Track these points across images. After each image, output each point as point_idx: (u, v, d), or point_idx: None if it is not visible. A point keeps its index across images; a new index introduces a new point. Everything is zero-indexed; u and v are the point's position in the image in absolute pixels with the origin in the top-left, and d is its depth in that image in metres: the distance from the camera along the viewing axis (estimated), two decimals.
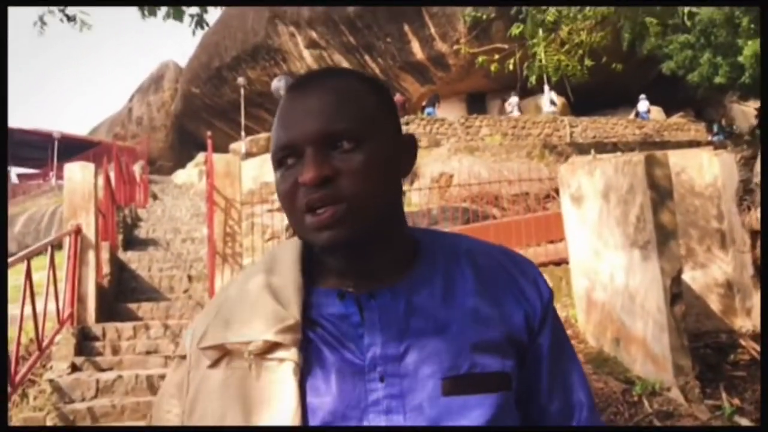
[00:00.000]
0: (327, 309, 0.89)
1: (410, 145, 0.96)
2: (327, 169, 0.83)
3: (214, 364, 0.88)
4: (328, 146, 0.84)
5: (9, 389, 5.01)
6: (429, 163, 14.68)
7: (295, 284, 0.90)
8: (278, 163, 0.88)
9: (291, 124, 0.86)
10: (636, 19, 10.78)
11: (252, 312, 0.88)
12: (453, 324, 0.89)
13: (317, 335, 0.88)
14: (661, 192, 5.35)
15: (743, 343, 5.94)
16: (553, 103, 20.80)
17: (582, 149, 14.60)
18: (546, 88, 19.42)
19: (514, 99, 21.04)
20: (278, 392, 0.84)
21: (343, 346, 0.87)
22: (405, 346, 0.86)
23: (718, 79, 15.57)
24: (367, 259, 0.89)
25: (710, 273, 6.46)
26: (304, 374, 0.86)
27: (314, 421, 0.84)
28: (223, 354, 0.88)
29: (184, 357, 0.94)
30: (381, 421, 0.84)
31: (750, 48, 13.39)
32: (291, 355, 0.85)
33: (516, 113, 20.88)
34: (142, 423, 5.14)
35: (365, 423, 0.84)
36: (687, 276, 6.21)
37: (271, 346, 0.85)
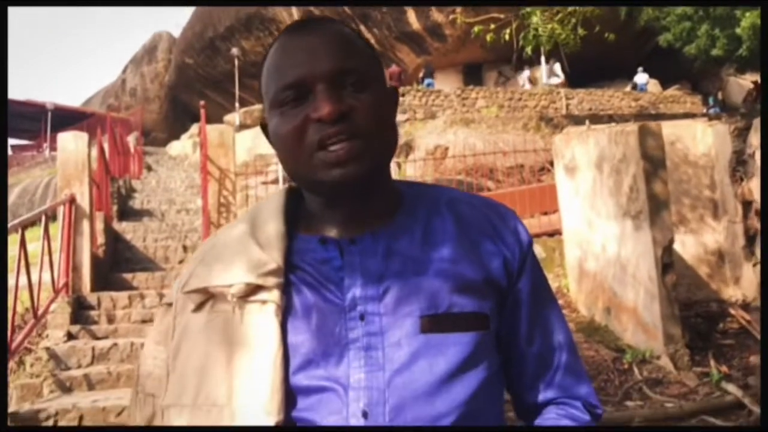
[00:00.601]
0: (309, 254, 0.91)
1: (396, 95, 0.98)
2: (344, 105, 0.84)
3: (198, 307, 0.90)
4: (339, 84, 0.86)
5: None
6: (424, 135, 14.64)
7: (278, 231, 0.92)
8: (281, 103, 0.88)
9: (297, 62, 0.87)
10: None
11: (235, 257, 0.90)
12: (432, 266, 0.91)
13: (299, 279, 0.90)
14: (654, 162, 5.37)
15: (732, 312, 6.00)
16: (556, 75, 20.70)
17: (578, 121, 14.56)
18: (543, 59, 19.33)
19: (526, 73, 20.95)
20: (260, 333, 0.86)
21: (324, 288, 0.89)
22: (384, 286, 0.88)
23: (715, 52, 15.49)
24: (360, 202, 0.91)
25: (702, 241, 6.51)
26: (285, 315, 0.88)
27: (296, 359, 0.86)
28: (206, 298, 0.90)
29: (170, 305, 0.96)
30: (361, 357, 0.86)
31: (748, 20, 13.30)
32: (273, 297, 0.87)
33: (528, 87, 20.82)
34: None
35: (345, 359, 0.86)
36: (678, 242, 6.25)
37: (254, 289, 0.87)
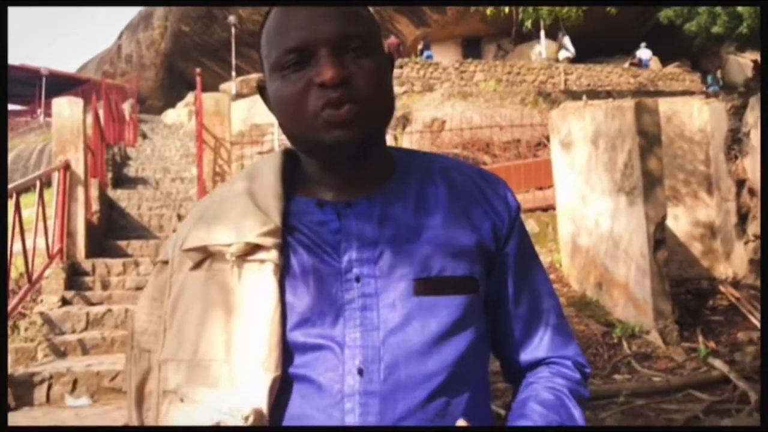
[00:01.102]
0: (306, 216, 0.93)
1: (392, 61, 0.99)
2: (346, 71, 0.86)
3: (197, 266, 0.92)
4: (342, 49, 0.87)
5: None
6: (421, 108, 14.57)
7: (276, 193, 0.94)
8: (281, 67, 0.89)
9: (300, 26, 0.88)
10: None
11: (234, 217, 0.92)
12: (425, 232, 0.93)
13: (296, 240, 0.92)
14: (649, 138, 5.38)
15: (723, 289, 6.06)
16: (567, 49, 20.55)
17: (576, 96, 14.50)
18: (543, 34, 19.18)
19: (537, 47, 20.81)
20: (258, 291, 0.88)
21: (321, 250, 0.91)
22: (379, 250, 0.91)
23: (715, 29, 15.41)
24: (358, 165, 0.93)
25: (694, 216, 6.55)
26: (283, 275, 0.90)
27: (293, 318, 0.88)
28: (205, 256, 0.92)
29: (166, 262, 0.98)
30: (356, 317, 0.88)
31: None
32: (271, 256, 0.89)
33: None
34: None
35: (341, 319, 0.88)
36: (671, 216, 6.28)
37: (252, 249, 0.89)
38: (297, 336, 0.88)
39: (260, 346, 0.86)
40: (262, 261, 0.89)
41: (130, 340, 1.01)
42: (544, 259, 7.42)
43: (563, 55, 20.70)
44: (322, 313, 0.89)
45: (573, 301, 6.28)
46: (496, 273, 1.00)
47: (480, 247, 0.96)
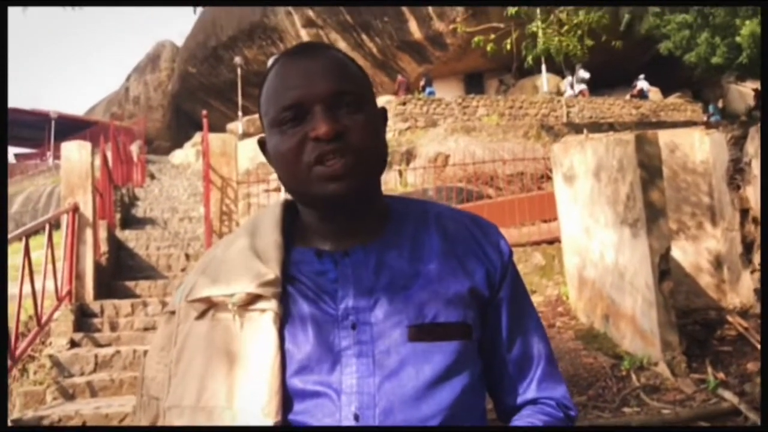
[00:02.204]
0: (305, 266, 0.98)
1: (385, 116, 1.05)
2: (339, 125, 0.91)
3: (201, 315, 0.97)
4: (336, 105, 0.93)
5: (9, 363, 5.09)
6: (425, 143, 14.70)
7: (276, 244, 0.99)
8: (279, 123, 0.94)
9: (296, 85, 0.94)
10: None
11: (236, 269, 0.97)
12: (419, 279, 0.97)
13: (296, 289, 0.96)
14: (650, 171, 5.42)
15: (730, 319, 6.03)
16: (583, 80, 20.79)
17: (578, 129, 14.60)
18: (544, 68, 19.36)
19: (568, 79, 21.05)
20: (259, 339, 0.92)
21: (319, 299, 0.95)
22: (375, 298, 0.95)
23: (715, 60, 15.52)
24: (354, 216, 0.98)
25: (701, 248, 6.54)
26: (283, 324, 0.94)
27: (292, 365, 0.92)
28: (209, 306, 0.96)
29: (173, 313, 1.02)
30: (352, 363, 0.92)
31: (748, 28, 13.34)
32: (271, 306, 0.93)
33: (570, 93, 20.98)
34: None
35: (338, 366, 0.92)
36: (678, 249, 6.29)
37: (253, 298, 0.93)
38: (296, 383, 0.92)
39: (261, 393, 0.89)
40: (263, 310, 0.93)
41: (140, 387, 1.06)
42: (551, 291, 7.42)
43: (579, 88, 20.92)
44: (320, 360, 0.92)
45: (581, 334, 6.26)
46: (489, 318, 1.03)
47: (473, 293, 1.00)
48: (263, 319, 0.93)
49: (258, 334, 0.92)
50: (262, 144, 1.03)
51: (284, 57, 0.99)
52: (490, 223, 1.10)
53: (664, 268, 5.32)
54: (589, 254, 6.38)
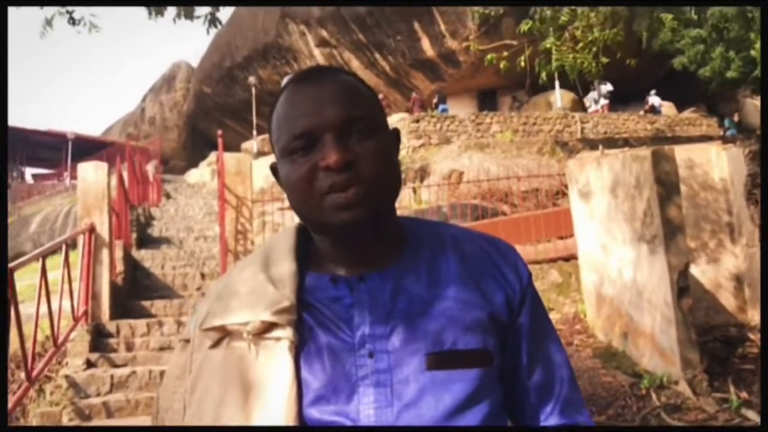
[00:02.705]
0: (320, 292, 0.96)
1: (398, 137, 1.03)
2: (350, 153, 0.89)
3: (215, 344, 0.95)
4: (346, 133, 0.91)
5: (26, 384, 5.11)
6: (439, 161, 14.69)
7: (290, 270, 0.97)
8: (291, 151, 0.93)
9: (305, 113, 0.92)
10: (652, 15, 10.77)
11: (250, 296, 0.95)
12: (437, 305, 0.95)
13: (311, 316, 0.94)
14: (667, 186, 5.37)
15: (752, 336, 5.94)
16: (605, 96, 20.80)
17: (593, 145, 14.55)
18: (557, 84, 19.35)
19: (592, 94, 21.09)
20: (275, 368, 0.90)
21: (335, 326, 0.93)
22: (392, 325, 0.93)
23: (730, 74, 15.46)
24: (368, 242, 0.96)
25: (722, 266, 6.46)
26: (298, 352, 0.92)
27: (308, 395, 0.90)
28: (223, 335, 0.94)
29: (188, 341, 1.01)
30: (370, 393, 0.90)
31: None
32: (286, 334, 0.91)
33: (594, 107, 21.01)
34: None
35: (356, 395, 0.90)
36: (698, 269, 6.22)
37: (268, 326, 0.91)
38: (313, 413, 0.90)
39: (278, 424, 0.87)
40: (278, 338, 0.91)
41: (155, 417, 1.04)
42: (569, 309, 7.35)
43: (602, 102, 20.91)
44: (336, 389, 0.90)
45: (599, 352, 6.18)
46: (509, 343, 1.01)
47: (493, 318, 0.97)
48: (279, 348, 0.91)
49: (273, 363, 0.90)
50: (274, 170, 1.02)
51: (293, 83, 0.98)
52: (508, 245, 1.08)
53: (683, 285, 5.25)
54: (606, 271, 6.31)
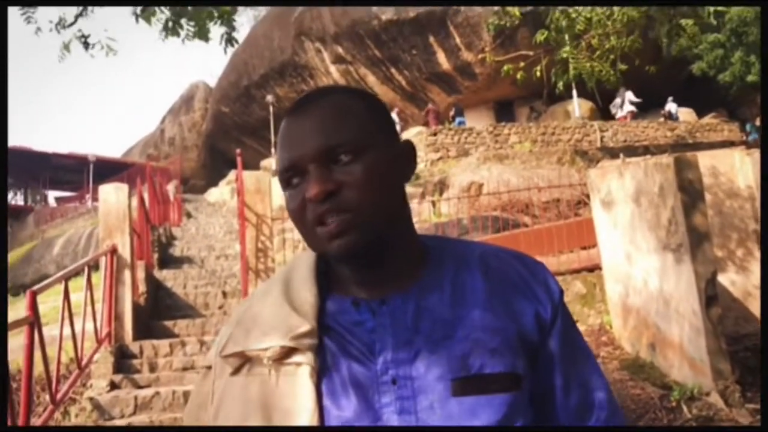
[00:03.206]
0: (341, 316, 0.93)
1: (409, 152, 0.99)
2: (330, 184, 0.87)
3: (236, 371, 0.92)
4: (329, 161, 0.88)
5: (51, 407, 5.12)
6: (458, 173, 14.65)
7: (311, 293, 0.94)
8: (286, 183, 0.92)
9: (291, 145, 0.91)
10: (671, 21, 10.69)
11: (270, 320, 0.92)
12: (462, 326, 0.91)
13: (332, 341, 0.91)
14: (692, 194, 5.28)
15: None
16: (630, 103, 20.73)
17: (613, 154, 14.44)
18: (575, 93, 19.26)
19: (617, 100, 21.03)
20: (296, 395, 0.87)
21: (357, 351, 0.90)
22: (415, 349, 0.89)
23: (750, 78, 15.32)
24: (378, 265, 0.93)
25: (750, 274, 6.33)
26: (320, 378, 0.89)
27: (330, 423, 0.87)
28: (244, 361, 0.92)
29: (210, 368, 0.99)
30: (394, 421, 0.86)
31: None
32: (307, 359, 0.88)
33: (620, 114, 20.97)
34: None
35: (379, 424, 0.86)
36: (727, 278, 6.11)
37: (288, 352, 0.89)
38: None
39: None
40: (299, 364, 0.88)
41: None
42: (594, 321, 7.24)
43: (627, 109, 20.81)
44: (359, 417, 0.87)
45: (626, 364, 6.07)
46: (541, 365, 0.96)
47: (522, 338, 0.92)
48: (299, 374, 0.88)
49: (294, 390, 0.88)
50: None
51: (286, 116, 0.96)
52: (536, 261, 1.03)
53: (711, 294, 5.15)
54: (631, 281, 6.22)
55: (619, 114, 21.09)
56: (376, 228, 0.89)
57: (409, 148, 0.99)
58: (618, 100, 21.09)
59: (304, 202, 0.88)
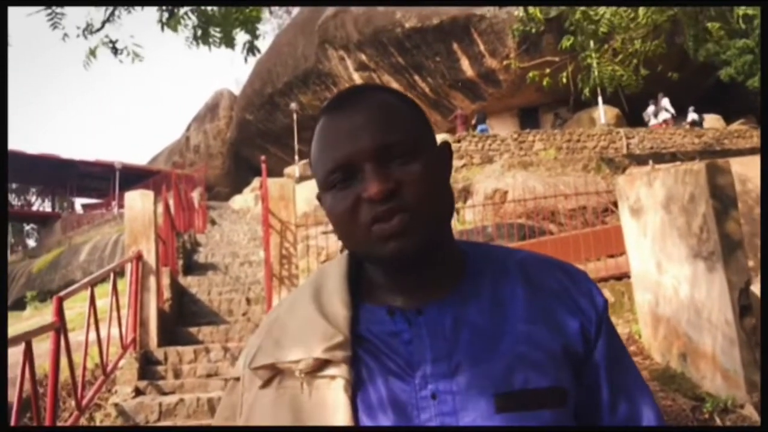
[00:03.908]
0: (376, 326, 0.88)
1: (449, 152, 0.96)
2: (392, 183, 0.83)
3: (266, 383, 0.88)
4: (386, 159, 0.84)
5: (76, 413, 5.13)
6: (482, 180, 14.56)
7: (343, 301, 0.89)
8: (330, 186, 0.87)
9: (341, 143, 0.86)
10: (697, 25, 10.54)
11: (301, 331, 0.88)
12: (504, 338, 0.86)
13: (367, 352, 0.86)
14: (724, 201, 5.17)
15: None
16: (666, 110, 20.59)
17: (640, 161, 14.26)
18: (600, 100, 19.09)
19: (651, 108, 20.85)
20: (330, 410, 0.82)
21: (394, 364, 0.85)
22: (456, 362, 0.84)
23: None
24: (423, 271, 0.88)
25: None
26: (355, 391, 0.84)
27: None
28: (274, 373, 0.87)
29: (238, 379, 0.94)
30: None
31: None
32: (342, 372, 0.84)
33: (653, 122, 20.79)
34: None
35: None
36: (757, 288, 5.95)
37: (322, 364, 0.84)
38: None
39: None
40: (333, 377, 0.84)
41: None
42: (622, 330, 7.12)
43: (663, 116, 20.60)
44: None
45: (657, 374, 5.95)
46: (587, 378, 0.91)
47: (567, 351, 0.88)
48: (333, 387, 0.83)
49: (328, 405, 0.83)
50: (321, 200, 0.95)
51: (326, 113, 0.91)
52: (579, 270, 0.98)
53: (745, 303, 5.02)
54: (661, 290, 6.10)
55: (653, 121, 20.83)
56: (435, 229, 0.86)
57: (448, 148, 0.95)
58: (651, 109, 20.85)
59: (357, 202, 0.84)
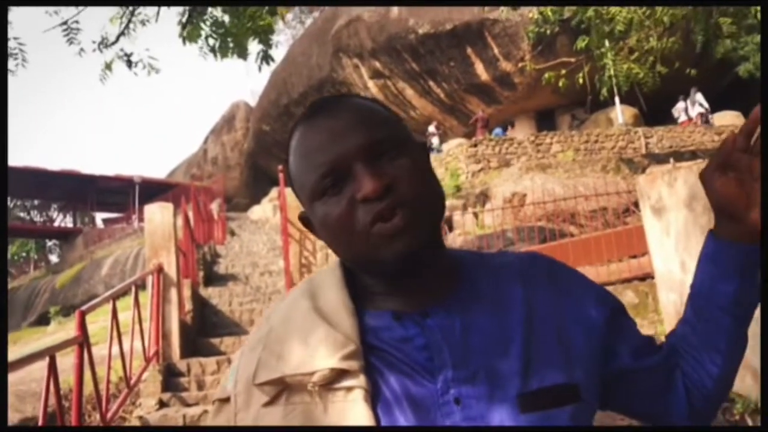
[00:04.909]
0: (384, 332, 0.85)
1: (426, 148, 0.94)
2: (386, 178, 0.80)
3: (271, 401, 0.82)
4: (375, 157, 0.82)
5: (101, 426, 5.14)
6: (500, 183, 14.50)
7: (348, 309, 0.85)
8: (320, 194, 0.84)
9: (326, 146, 0.83)
10: (708, 20, 10.43)
11: (306, 340, 0.82)
12: (512, 339, 0.85)
13: (380, 360, 0.83)
14: None
15: None
16: (701, 104, 20.40)
17: (659, 160, 14.13)
18: (618, 100, 18.96)
19: (680, 104, 20.70)
20: (351, 422, 0.78)
21: (411, 370, 0.82)
22: (474, 366, 0.82)
23: None
24: (424, 272, 0.86)
25: None
26: (374, 402, 0.80)
27: None
28: (281, 389, 0.82)
29: (224, 400, 0.87)
30: None
31: None
32: (359, 382, 0.79)
33: (683, 119, 20.66)
34: None
35: None
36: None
37: (337, 375, 0.79)
38: None
39: None
40: (350, 388, 0.79)
41: None
42: (647, 330, 7.01)
43: (697, 110, 20.41)
44: None
45: None
46: (602, 361, 0.94)
47: (572, 344, 0.89)
48: (352, 399, 0.78)
49: (348, 417, 0.77)
50: (304, 220, 0.92)
51: (304, 122, 0.88)
52: (570, 267, 1.00)
53: None
54: (686, 289, 5.97)
55: (683, 118, 20.61)
56: (435, 222, 0.85)
57: (424, 145, 0.94)
58: (681, 104, 20.62)
59: (351, 205, 0.81)
